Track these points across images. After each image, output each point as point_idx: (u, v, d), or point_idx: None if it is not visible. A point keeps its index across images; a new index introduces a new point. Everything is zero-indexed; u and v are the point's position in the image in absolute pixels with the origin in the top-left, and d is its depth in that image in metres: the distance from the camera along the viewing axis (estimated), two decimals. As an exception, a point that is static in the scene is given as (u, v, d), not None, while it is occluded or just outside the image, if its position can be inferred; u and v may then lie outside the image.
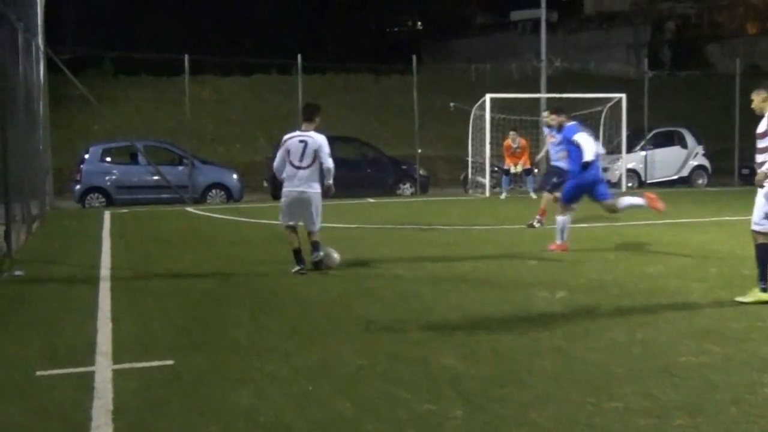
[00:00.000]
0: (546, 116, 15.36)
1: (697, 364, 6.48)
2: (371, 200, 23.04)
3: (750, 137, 12.69)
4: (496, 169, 24.77)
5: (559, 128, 13.33)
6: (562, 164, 14.49)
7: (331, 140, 27.87)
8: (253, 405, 5.61)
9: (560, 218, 12.75)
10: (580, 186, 12.53)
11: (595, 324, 7.85)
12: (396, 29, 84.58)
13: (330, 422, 5.28)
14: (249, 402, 5.68)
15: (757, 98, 9.60)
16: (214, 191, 24.14)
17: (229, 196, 24.19)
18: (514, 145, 23.11)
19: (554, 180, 15.44)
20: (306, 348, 7.07)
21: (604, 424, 5.19)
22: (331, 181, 11.27)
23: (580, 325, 7.80)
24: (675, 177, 28.53)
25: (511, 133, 23.42)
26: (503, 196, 23.02)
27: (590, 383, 5.98)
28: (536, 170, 23.27)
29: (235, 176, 24.69)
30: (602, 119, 26.87)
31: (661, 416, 5.29)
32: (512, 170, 23.41)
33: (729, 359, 6.62)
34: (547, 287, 9.59)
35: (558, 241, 12.73)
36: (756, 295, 8.74)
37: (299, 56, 24.62)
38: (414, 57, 25.73)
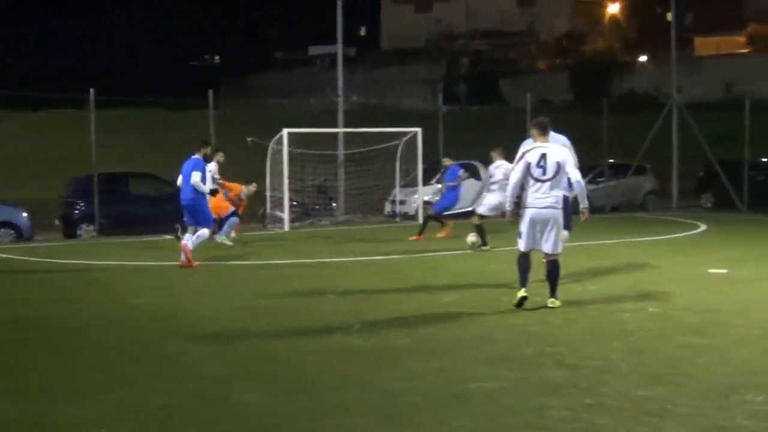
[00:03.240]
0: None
1: (490, 389, 6.76)
2: (168, 237, 22.63)
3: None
4: (294, 203, 24.90)
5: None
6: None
7: (126, 177, 27.11)
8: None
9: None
10: None
11: (392, 354, 8.05)
12: (194, 63, 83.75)
13: (127, 466, 5.20)
14: (41, 449, 5.51)
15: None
16: (2, 230, 23.12)
17: (19, 235, 23.23)
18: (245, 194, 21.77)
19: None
20: (107, 390, 6.91)
21: (401, 452, 5.34)
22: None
23: (377, 356, 7.98)
24: (470, 208, 29.48)
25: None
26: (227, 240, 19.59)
27: (388, 413, 6.14)
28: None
29: (24, 215, 23.73)
30: (398, 153, 27.48)
31: (455, 442, 5.50)
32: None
33: (520, 384, 6.95)
34: (345, 319, 9.74)
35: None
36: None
37: (92, 90, 23.99)
38: (210, 92, 25.58)
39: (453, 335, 8.91)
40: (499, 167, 16.85)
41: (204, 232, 15.61)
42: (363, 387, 6.88)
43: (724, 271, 13.61)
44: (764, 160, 30.42)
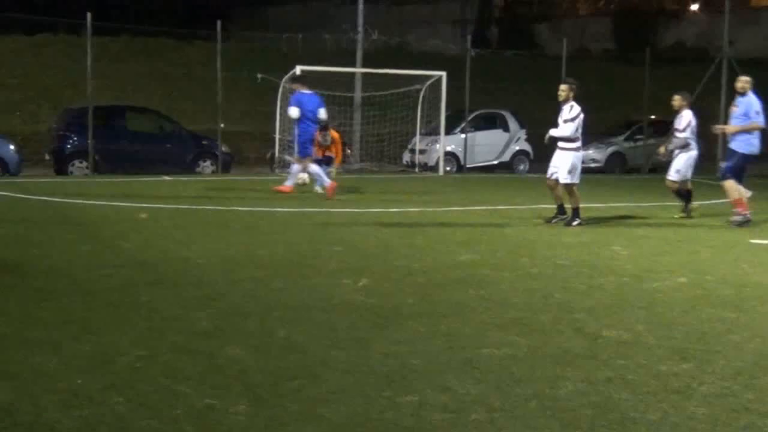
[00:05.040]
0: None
1: (501, 356, 6.70)
2: (167, 178, 22.68)
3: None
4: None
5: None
6: (736, 146, 15.61)
7: (124, 111, 27.17)
8: (13, 402, 5.44)
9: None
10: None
11: (397, 314, 8.00)
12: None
13: (98, 420, 5.18)
14: (8, 399, 5.50)
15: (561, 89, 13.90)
16: (-14, 164, 23.20)
17: (5, 169, 23.30)
18: (325, 143, 20.88)
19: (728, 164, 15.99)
20: (80, 340, 6.90)
21: (397, 419, 5.30)
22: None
23: (381, 315, 7.94)
24: (496, 162, 29.38)
25: (323, 132, 20.70)
26: (320, 189, 19.31)
27: (387, 377, 6.10)
28: (350, 151, 23.46)
29: (12, 147, 23.79)
30: (421, 98, 27.34)
31: (457, 411, 5.45)
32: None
33: (534, 352, 6.89)
34: (351, 275, 9.70)
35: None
36: None
37: (89, 15, 23.89)
38: (219, 22, 25.42)
39: (465, 297, 8.85)
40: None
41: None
42: (362, 347, 6.84)
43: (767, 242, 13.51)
44: None
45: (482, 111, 29.80)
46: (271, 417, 5.29)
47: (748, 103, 15.55)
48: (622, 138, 30.87)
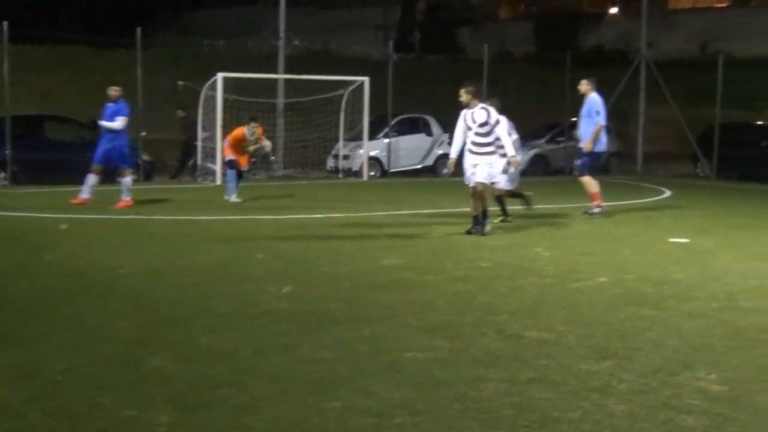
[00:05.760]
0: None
1: (424, 360, 6.78)
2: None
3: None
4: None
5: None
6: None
7: (43, 120, 26.63)
8: (-70, 418, 5.37)
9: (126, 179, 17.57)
10: None
11: (322, 320, 8.04)
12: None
13: (19, 434, 5.14)
14: (-76, 415, 5.42)
15: (465, 94, 13.67)
16: None
17: None
18: (252, 138, 19.63)
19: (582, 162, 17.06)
20: (2, 352, 6.82)
21: (322, 424, 5.35)
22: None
23: (306, 321, 7.96)
24: (420, 166, 29.51)
25: (252, 124, 19.81)
26: (234, 198, 18.94)
27: (312, 383, 6.13)
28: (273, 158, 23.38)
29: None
30: (344, 103, 27.38)
31: (381, 415, 5.51)
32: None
33: (457, 354, 6.97)
34: (275, 281, 9.70)
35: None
36: None
37: (5, 23, 23.50)
38: (138, 30, 25.16)
39: (390, 301, 8.91)
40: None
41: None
42: (287, 354, 6.86)
43: (686, 240, 13.79)
44: (760, 123, 30.67)
45: (405, 115, 29.90)
46: (195, 426, 5.29)
47: (590, 103, 16.85)
48: (543, 140, 31.21)
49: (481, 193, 13.76)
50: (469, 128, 13.80)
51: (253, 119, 19.37)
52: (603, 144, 17.03)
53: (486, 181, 13.82)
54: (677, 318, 8.42)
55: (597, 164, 17.36)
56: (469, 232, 13.79)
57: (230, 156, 19.00)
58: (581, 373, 6.49)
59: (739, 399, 6.00)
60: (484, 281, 10.09)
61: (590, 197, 16.88)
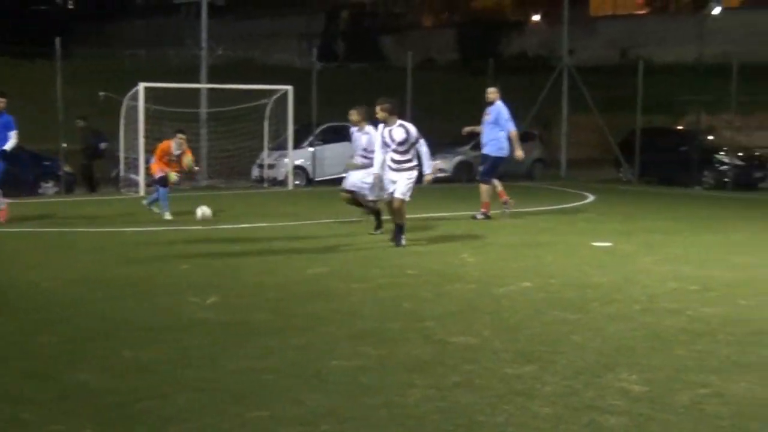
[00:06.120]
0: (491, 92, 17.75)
1: (351, 367, 6.80)
2: (7, 200, 22.03)
3: (420, 132, 13.53)
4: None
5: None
6: (488, 150, 17.56)
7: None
8: None
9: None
10: None
11: (248, 330, 8.03)
12: (43, 8, 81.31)
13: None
14: None
15: (381, 111, 13.36)
16: None
17: None
18: (177, 152, 18.76)
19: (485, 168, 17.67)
20: None
21: (247, 435, 5.35)
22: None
23: (231, 331, 7.95)
24: (345, 174, 29.53)
25: (179, 135, 18.92)
26: (168, 215, 17.84)
27: (238, 393, 6.12)
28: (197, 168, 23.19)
29: None
30: (267, 112, 27.32)
31: (308, 423, 5.52)
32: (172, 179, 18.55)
33: (383, 361, 7.01)
34: (199, 292, 9.65)
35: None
36: None
37: None
38: (58, 40, 24.83)
39: (316, 310, 8.92)
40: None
41: None
42: (212, 365, 6.84)
43: (609, 244, 14.01)
44: (680, 128, 31.21)
45: (330, 124, 29.92)
46: (118, 439, 5.26)
47: (498, 111, 17.46)
48: (468, 147, 31.44)
49: (398, 209, 13.36)
50: (387, 146, 13.42)
51: (180, 131, 18.92)
52: (505, 150, 17.57)
53: (405, 198, 13.36)
54: (599, 321, 8.57)
55: (496, 168, 17.85)
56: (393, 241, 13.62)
57: (160, 173, 18.39)
58: (506, 377, 6.58)
59: (659, 398, 6.13)
60: (410, 288, 10.16)
61: (482, 205, 17.49)
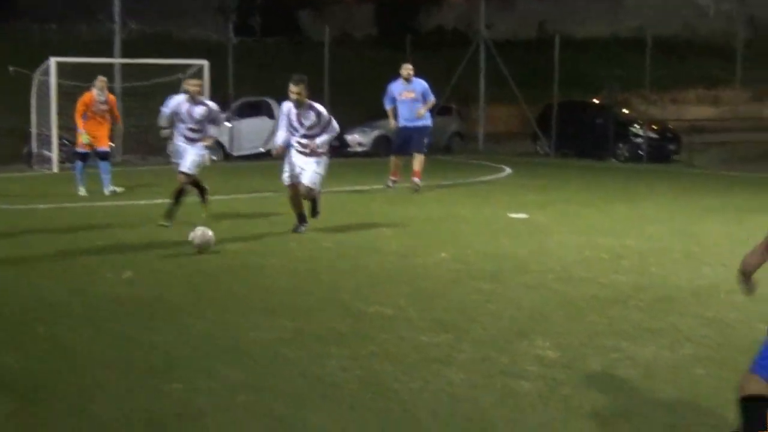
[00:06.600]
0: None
1: (268, 340, 6.84)
2: None
3: (337, 106, 13.56)
4: (66, 142, 24.08)
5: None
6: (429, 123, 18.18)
7: None
8: None
9: None
10: None
11: (163, 305, 8.01)
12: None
13: None
14: None
15: (302, 90, 11.82)
16: None
17: None
18: (101, 98, 17.77)
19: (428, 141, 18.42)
20: None
21: (164, 407, 5.36)
22: None
23: (147, 306, 7.92)
24: (263, 150, 29.41)
25: (100, 78, 18.09)
26: (83, 191, 17.22)
27: (153, 367, 6.13)
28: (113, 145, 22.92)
29: None
30: (183, 87, 27.04)
31: (224, 394, 5.56)
32: (85, 141, 17.54)
33: (300, 333, 7.06)
34: (114, 268, 9.59)
35: None
36: None
37: None
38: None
39: (232, 285, 8.93)
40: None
41: None
42: (127, 340, 6.82)
43: (525, 215, 14.21)
44: (596, 102, 31.57)
45: (247, 99, 29.77)
46: (37, 415, 5.24)
47: (423, 86, 17.99)
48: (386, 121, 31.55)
49: (305, 195, 12.26)
50: (296, 129, 12.06)
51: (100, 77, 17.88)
52: (431, 120, 18.43)
53: (315, 188, 12.22)
54: (515, 290, 8.72)
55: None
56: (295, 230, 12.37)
57: (83, 147, 17.53)
58: (422, 346, 6.68)
59: (571, 364, 6.28)
60: (327, 261, 10.21)
61: (415, 173, 17.84)
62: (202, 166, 13.51)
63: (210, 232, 10.69)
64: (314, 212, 12.61)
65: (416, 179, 17.73)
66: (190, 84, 13.66)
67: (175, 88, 26.82)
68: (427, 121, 18.17)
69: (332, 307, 7.89)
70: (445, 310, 7.81)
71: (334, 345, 6.68)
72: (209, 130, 13.39)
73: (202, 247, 10.55)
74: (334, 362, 6.26)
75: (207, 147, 13.76)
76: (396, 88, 18.12)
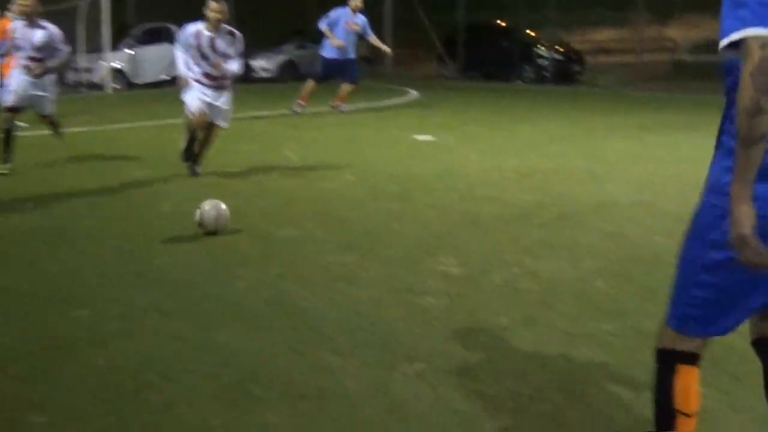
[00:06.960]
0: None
1: (173, 264, 6.87)
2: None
3: (243, 30, 13.40)
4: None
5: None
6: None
7: None
8: None
9: None
10: None
11: (66, 234, 7.95)
12: None
13: None
14: None
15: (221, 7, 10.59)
16: None
17: None
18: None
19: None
20: None
21: (70, 333, 5.36)
22: None
23: (50, 235, 7.87)
24: (168, 77, 29.00)
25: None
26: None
27: (59, 295, 6.11)
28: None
29: None
30: (82, 14, 26.49)
31: (131, 318, 5.59)
32: None
33: (206, 257, 7.11)
34: (19, 201, 9.46)
35: None
36: None
37: None
38: None
39: (137, 213, 8.89)
40: None
41: None
42: (32, 268, 6.78)
43: (431, 137, 14.34)
44: (501, 24, 31.66)
45: (148, 25, 29.26)
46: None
47: (361, 20, 18.22)
48: (292, 46, 31.32)
49: (210, 136, 11.15)
50: (206, 57, 10.62)
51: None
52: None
53: (225, 126, 11.13)
54: (420, 210, 8.86)
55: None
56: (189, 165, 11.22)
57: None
58: (328, 265, 6.77)
59: (475, 279, 6.45)
60: (232, 186, 10.21)
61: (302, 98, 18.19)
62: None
63: (223, 206, 7.98)
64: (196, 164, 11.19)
65: (341, 103, 18.51)
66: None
67: (71, 15, 26.47)
68: (351, 54, 18.42)
69: (239, 231, 7.92)
70: (352, 231, 7.92)
71: (241, 267, 6.74)
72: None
73: (219, 230, 7.89)
74: (242, 284, 6.33)
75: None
76: (344, 16, 18.09)
